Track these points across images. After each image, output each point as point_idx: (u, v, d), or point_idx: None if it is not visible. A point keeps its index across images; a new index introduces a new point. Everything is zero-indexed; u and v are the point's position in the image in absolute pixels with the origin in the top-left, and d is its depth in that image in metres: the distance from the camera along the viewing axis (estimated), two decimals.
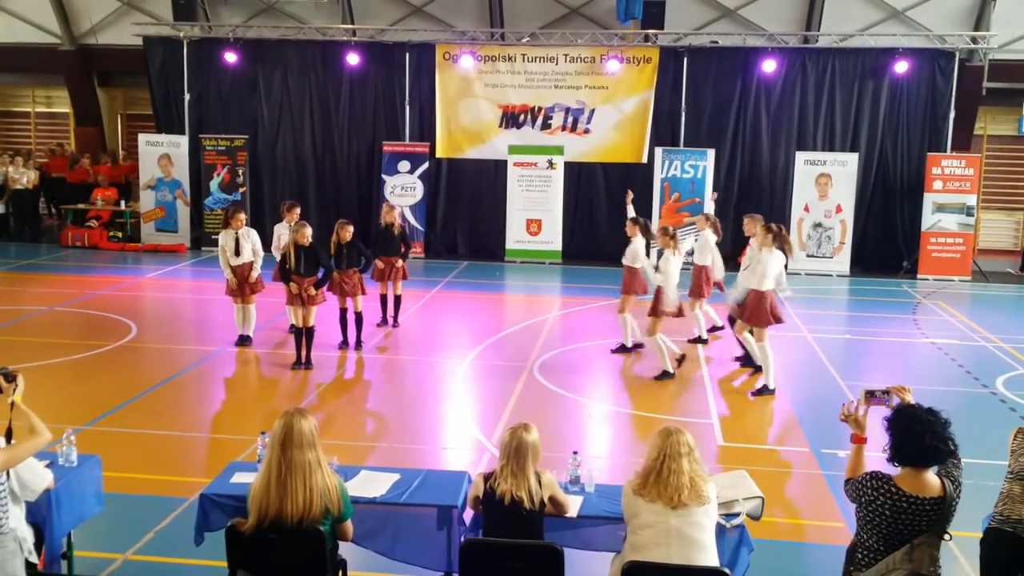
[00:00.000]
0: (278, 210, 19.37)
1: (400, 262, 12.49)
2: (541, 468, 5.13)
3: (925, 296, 16.39)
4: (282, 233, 11.95)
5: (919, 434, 4.19)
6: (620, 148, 19.15)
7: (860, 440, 4.63)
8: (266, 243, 12.17)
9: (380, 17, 20.32)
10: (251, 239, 11.65)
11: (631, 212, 13.33)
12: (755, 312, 10.13)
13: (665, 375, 10.62)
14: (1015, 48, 19.35)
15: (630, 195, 14.12)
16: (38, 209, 21.60)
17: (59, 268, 17.42)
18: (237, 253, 11.53)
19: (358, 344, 11.65)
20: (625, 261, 11.72)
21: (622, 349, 11.81)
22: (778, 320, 10.25)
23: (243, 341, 11.78)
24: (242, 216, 11.82)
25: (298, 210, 12.17)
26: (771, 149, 18.95)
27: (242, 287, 11.63)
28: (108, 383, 10.19)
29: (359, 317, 11.60)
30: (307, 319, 10.69)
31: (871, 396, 4.66)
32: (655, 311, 10.59)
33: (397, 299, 12.77)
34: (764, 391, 10.26)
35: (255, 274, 11.66)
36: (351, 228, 11.41)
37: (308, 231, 10.64)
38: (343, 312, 11.57)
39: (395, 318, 12.83)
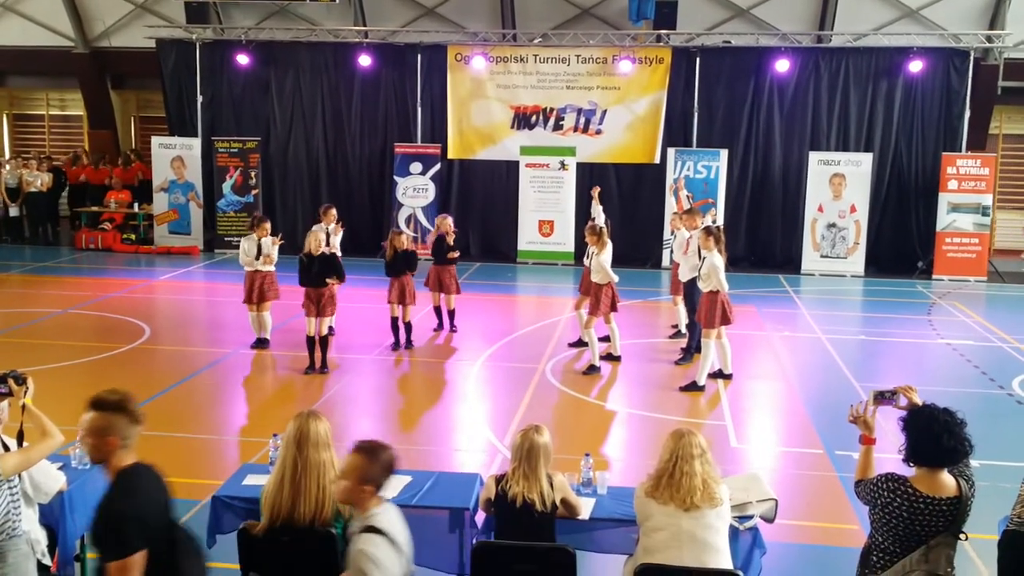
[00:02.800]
0: (291, 211, 19.65)
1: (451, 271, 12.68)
2: (553, 470, 5.11)
3: (940, 297, 16.29)
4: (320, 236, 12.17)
5: (937, 435, 4.15)
6: (632, 149, 19.11)
7: (869, 441, 4.60)
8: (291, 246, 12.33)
9: (392, 19, 20.33)
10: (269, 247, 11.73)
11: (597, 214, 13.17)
12: (708, 313, 10.24)
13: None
14: None
15: (595, 191, 13.88)
16: (56, 211, 21.76)
17: (73, 270, 17.51)
18: (257, 258, 11.60)
19: (408, 343, 11.90)
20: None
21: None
22: (727, 321, 10.34)
23: (260, 344, 11.83)
24: (267, 226, 11.89)
25: (334, 212, 12.33)
26: (784, 149, 18.87)
27: (255, 294, 11.68)
28: (121, 385, 10.10)
29: (408, 326, 11.85)
30: (320, 329, 10.71)
31: (880, 397, 4.63)
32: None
33: (451, 312, 12.79)
34: (693, 387, 10.30)
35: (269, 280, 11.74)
36: (405, 236, 11.86)
37: (316, 240, 10.70)
38: (395, 320, 11.81)
39: (452, 324, 12.85)
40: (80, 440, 3.86)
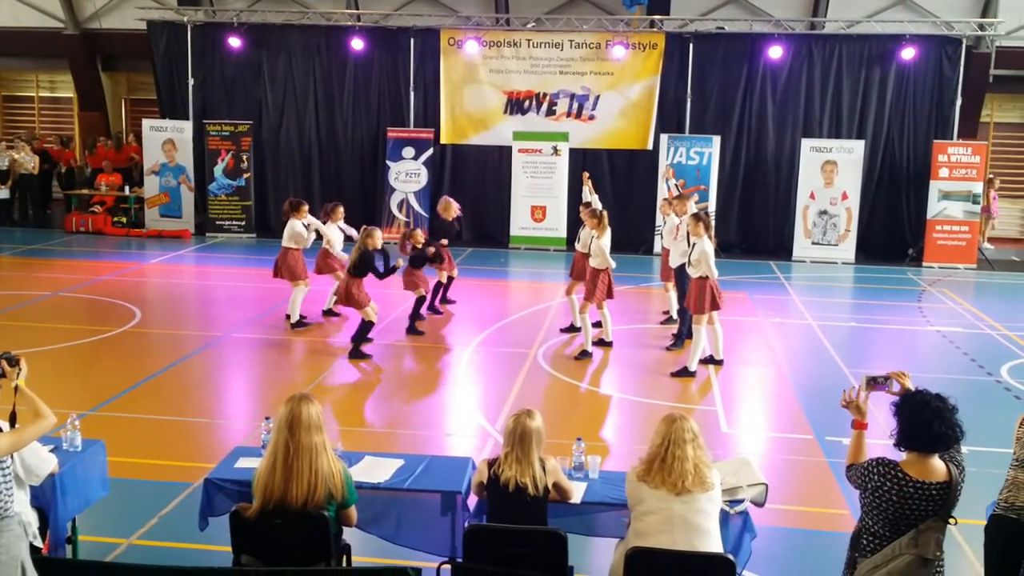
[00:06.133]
0: (282, 195, 19.51)
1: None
2: (545, 454, 5.13)
3: (930, 284, 16.35)
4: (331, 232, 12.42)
5: (928, 420, 4.18)
6: (625, 134, 19.09)
7: (861, 426, 4.63)
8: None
9: (385, 2, 20.26)
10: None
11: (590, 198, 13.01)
12: (697, 299, 10.25)
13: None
14: (1022, 35, 19.25)
15: (587, 177, 13.81)
16: (48, 193, 21.68)
17: (63, 253, 17.43)
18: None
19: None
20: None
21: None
22: (716, 307, 10.33)
23: (301, 323, 11.97)
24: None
25: (341, 209, 12.52)
26: (777, 136, 18.88)
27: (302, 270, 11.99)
28: (113, 368, 10.21)
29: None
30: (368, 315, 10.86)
31: (872, 382, 4.66)
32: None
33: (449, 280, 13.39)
34: (684, 373, 10.31)
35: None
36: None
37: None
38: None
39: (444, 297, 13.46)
40: None
